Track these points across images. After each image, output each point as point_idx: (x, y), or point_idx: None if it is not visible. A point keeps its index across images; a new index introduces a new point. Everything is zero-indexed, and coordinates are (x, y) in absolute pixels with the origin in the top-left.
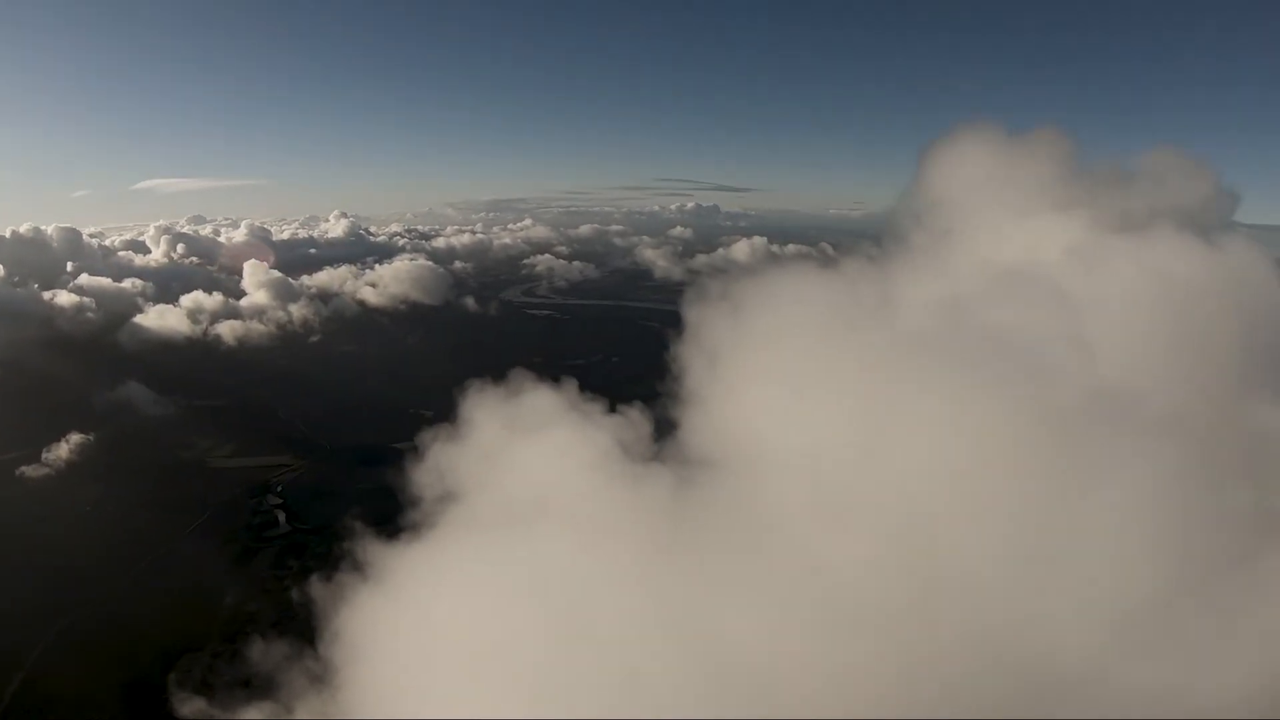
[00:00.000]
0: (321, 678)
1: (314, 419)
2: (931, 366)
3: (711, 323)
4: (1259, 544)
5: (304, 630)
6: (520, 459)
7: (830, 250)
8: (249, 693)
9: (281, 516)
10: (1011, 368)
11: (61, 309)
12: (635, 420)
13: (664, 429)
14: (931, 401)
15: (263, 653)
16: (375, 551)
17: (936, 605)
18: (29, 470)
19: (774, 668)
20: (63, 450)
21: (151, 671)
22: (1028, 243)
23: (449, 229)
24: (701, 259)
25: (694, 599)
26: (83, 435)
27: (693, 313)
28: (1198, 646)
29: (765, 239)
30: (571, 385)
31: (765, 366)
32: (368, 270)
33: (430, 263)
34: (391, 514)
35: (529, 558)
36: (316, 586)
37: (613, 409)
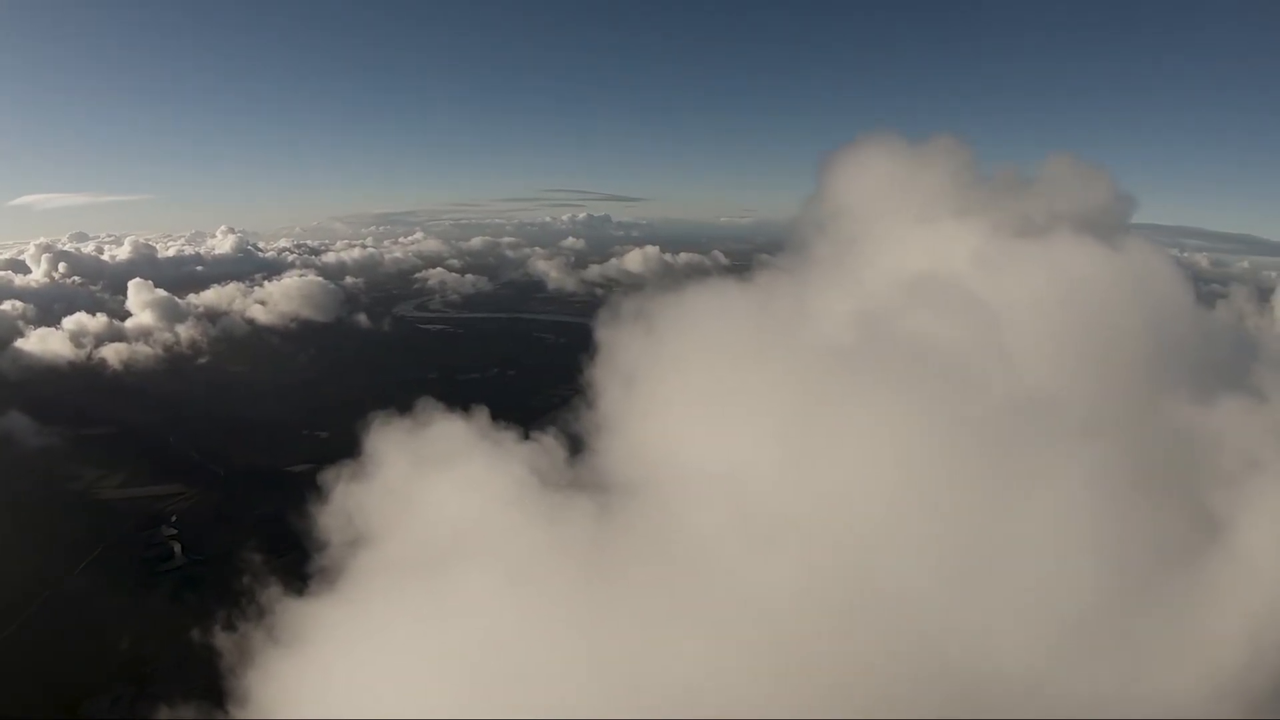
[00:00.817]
0: None
1: (206, 444)
2: (852, 380)
3: (622, 341)
4: (1194, 542)
5: (208, 672)
6: (431, 495)
7: (723, 258)
8: None
9: (177, 548)
10: (933, 378)
11: None
12: (548, 445)
13: (577, 449)
14: (854, 416)
15: (165, 699)
16: (283, 604)
17: (870, 623)
18: None
19: (706, 697)
20: None
21: None
22: (932, 250)
23: (339, 243)
24: (595, 269)
25: (621, 632)
26: None
27: (602, 331)
28: (1141, 648)
29: (658, 248)
30: (480, 412)
31: (680, 385)
32: (257, 287)
33: (321, 278)
34: (289, 542)
35: (447, 602)
36: (219, 634)
37: (522, 431)
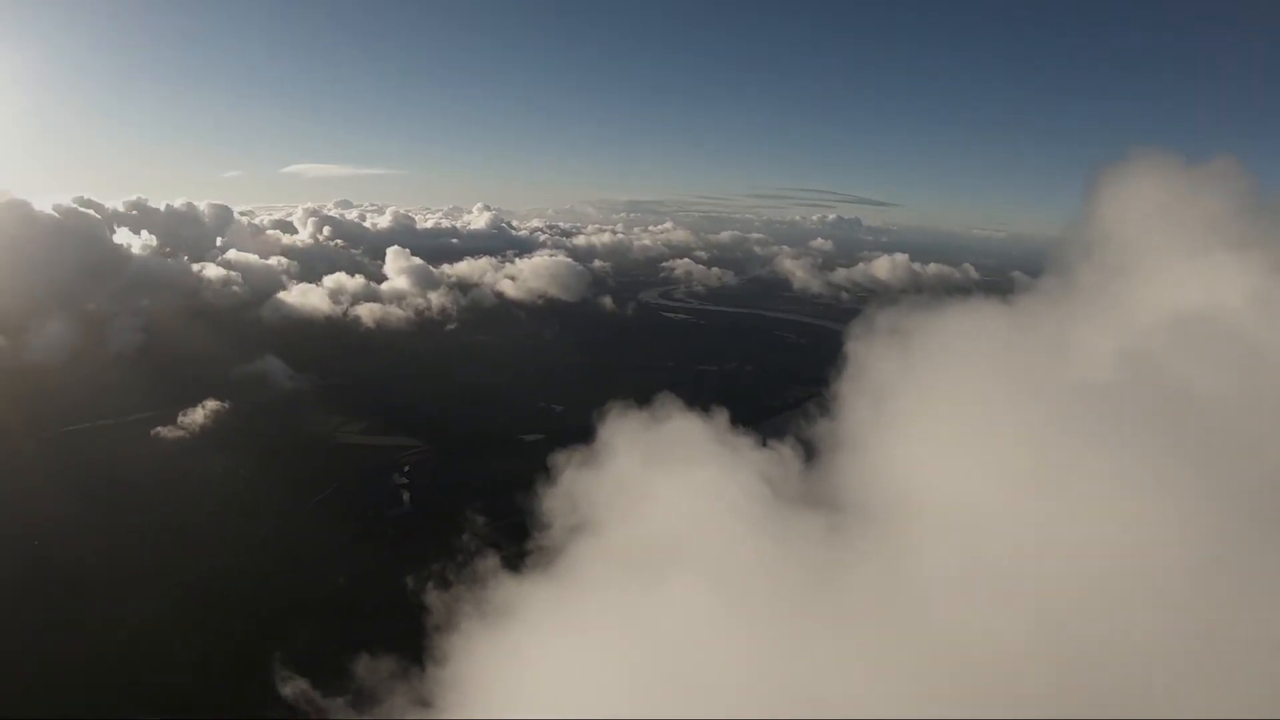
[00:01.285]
0: (418, 679)
1: (445, 405)
2: (1110, 425)
3: (871, 355)
4: None
5: (410, 623)
6: (658, 492)
7: (974, 272)
8: (347, 679)
9: (406, 497)
10: (1199, 432)
11: (209, 281)
12: (783, 455)
13: (811, 458)
14: (1109, 464)
15: (367, 638)
16: (497, 575)
17: (1089, 699)
18: (163, 431)
19: None
20: (198, 415)
21: (256, 639)
22: (1206, 285)
23: (590, 227)
24: (841, 273)
25: (828, 663)
26: (218, 403)
27: (852, 341)
28: None
29: (907, 256)
30: (718, 413)
31: (926, 409)
32: (508, 263)
33: (570, 260)
34: (512, 509)
35: (656, 605)
36: (430, 588)
37: (757, 437)
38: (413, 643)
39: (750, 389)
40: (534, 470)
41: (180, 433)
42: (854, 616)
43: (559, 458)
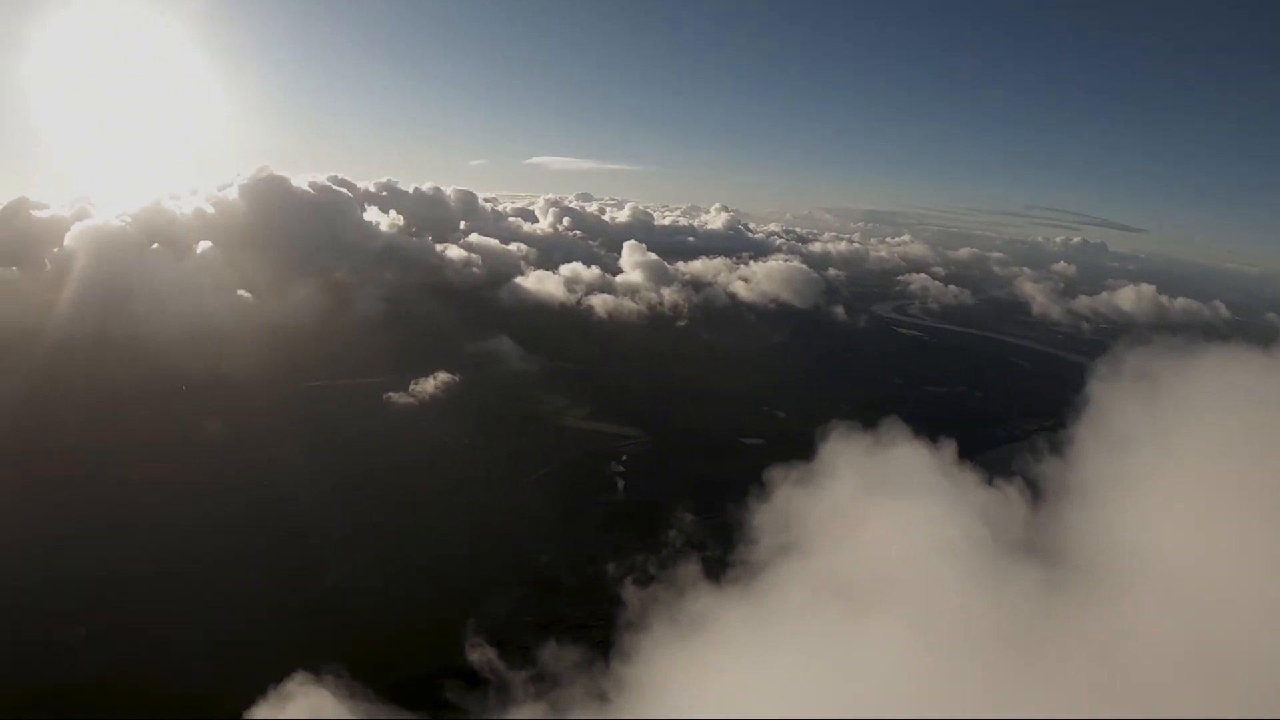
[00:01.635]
0: (601, 672)
1: (668, 400)
2: None
3: (1114, 399)
4: None
5: (604, 612)
6: (874, 522)
7: (1224, 310)
8: (532, 656)
9: (620, 484)
10: None
11: (451, 261)
12: (1008, 496)
13: (1036, 499)
14: None
15: (559, 618)
16: (697, 582)
17: None
18: (394, 396)
19: None
20: (428, 385)
21: (453, 603)
22: None
23: (826, 235)
24: (1084, 300)
25: None
26: (449, 375)
27: (1096, 382)
28: None
29: (1154, 288)
30: (944, 444)
31: (1171, 465)
32: (742, 265)
33: (804, 266)
34: (721, 512)
35: (857, 639)
36: (629, 582)
37: (983, 474)
38: (602, 632)
39: (977, 415)
40: (749, 476)
41: (410, 399)
42: (1062, 687)
43: (776, 470)
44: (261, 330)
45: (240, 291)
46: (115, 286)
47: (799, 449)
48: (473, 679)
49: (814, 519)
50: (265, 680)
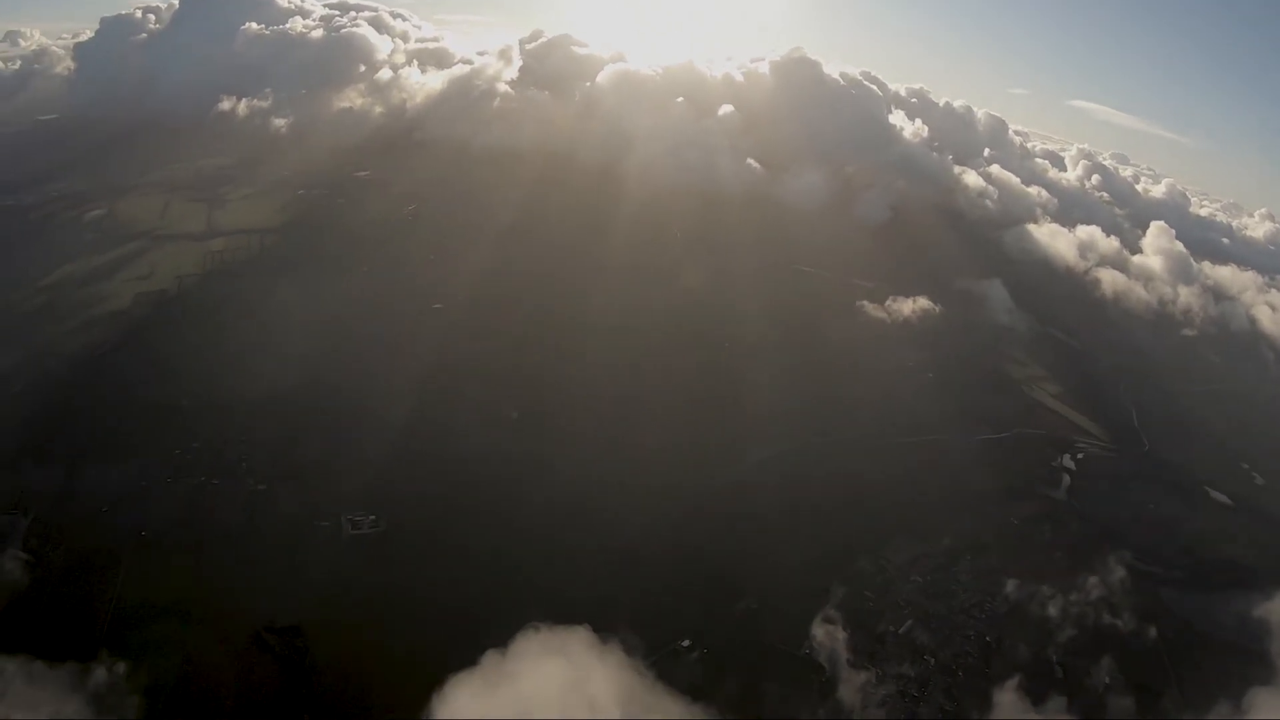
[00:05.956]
0: None
1: (1145, 413)
2: None
3: None
4: None
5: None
6: None
7: None
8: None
9: (1065, 483)
10: None
11: (965, 187)
12: None
13: None
14: None
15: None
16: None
17: None
18: (868, 307)
19: None
20: (906, 307)
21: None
22: None
23: None
24: None
25: None
26: (930, 304)
27: None
28: None
29: None
30: None
31: None
32: (1276, 290)
33: None
34: (1173, 566)
35: None
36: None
37: None
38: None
39: None
40: (1218, 537)
41: (882, 315)
42: None
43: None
44: (760, 201)
45: (750, 161)
46: (633, 127)
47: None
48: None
49: None
50: None
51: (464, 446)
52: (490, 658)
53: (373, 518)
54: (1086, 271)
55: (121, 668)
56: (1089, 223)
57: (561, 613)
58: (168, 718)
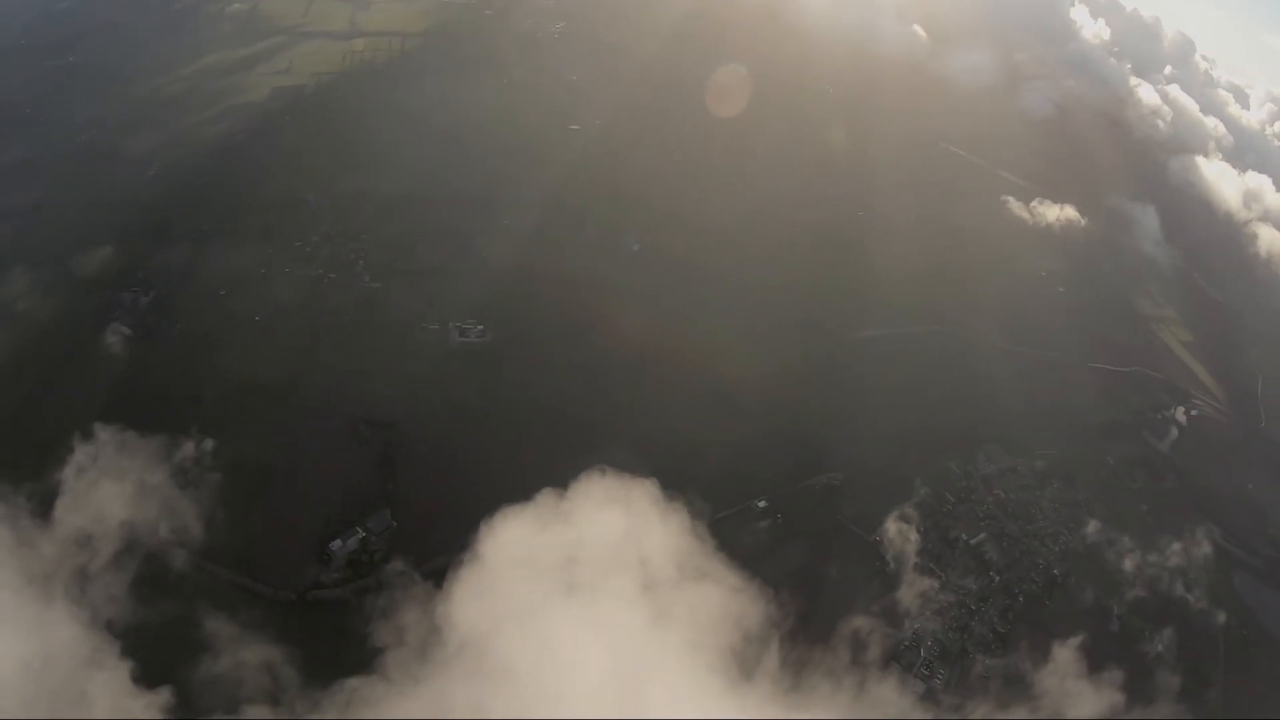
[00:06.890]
0: None
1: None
2: None
3: None
4: None
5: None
6: None
7: None
8: None
9: (1173, 434)
10: None
11: (1137, 101)
12: None
13: None
14: None
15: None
16: None
17: None
18: (1013, 205)
19: None
20: (1054, 213)
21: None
22: None
23: None
24: None
25: None
26: (1076, 215)
27: None
28: None
29: None
30: None
31: None
32: None
33: None
34: None
35: None
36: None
37: None
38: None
39: None
40: None
41: (1025, 215)
42: None
43: None
44: (919, 70)
45: (915, 27)
46: None
47: None
48: None
49: None
50: None
51: (581, 270)
52: (546, 496)
53: (480, 328)
54: (1247, 222)
55: (209, 444)
56: (1262, 171)
57: (642, 452)
58: (246, 497)
